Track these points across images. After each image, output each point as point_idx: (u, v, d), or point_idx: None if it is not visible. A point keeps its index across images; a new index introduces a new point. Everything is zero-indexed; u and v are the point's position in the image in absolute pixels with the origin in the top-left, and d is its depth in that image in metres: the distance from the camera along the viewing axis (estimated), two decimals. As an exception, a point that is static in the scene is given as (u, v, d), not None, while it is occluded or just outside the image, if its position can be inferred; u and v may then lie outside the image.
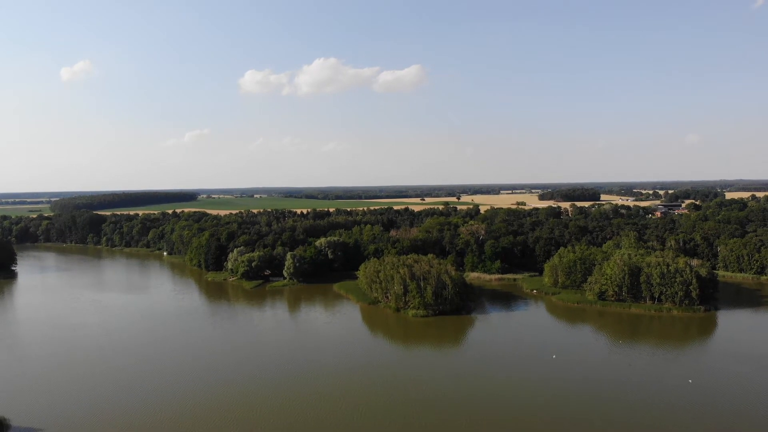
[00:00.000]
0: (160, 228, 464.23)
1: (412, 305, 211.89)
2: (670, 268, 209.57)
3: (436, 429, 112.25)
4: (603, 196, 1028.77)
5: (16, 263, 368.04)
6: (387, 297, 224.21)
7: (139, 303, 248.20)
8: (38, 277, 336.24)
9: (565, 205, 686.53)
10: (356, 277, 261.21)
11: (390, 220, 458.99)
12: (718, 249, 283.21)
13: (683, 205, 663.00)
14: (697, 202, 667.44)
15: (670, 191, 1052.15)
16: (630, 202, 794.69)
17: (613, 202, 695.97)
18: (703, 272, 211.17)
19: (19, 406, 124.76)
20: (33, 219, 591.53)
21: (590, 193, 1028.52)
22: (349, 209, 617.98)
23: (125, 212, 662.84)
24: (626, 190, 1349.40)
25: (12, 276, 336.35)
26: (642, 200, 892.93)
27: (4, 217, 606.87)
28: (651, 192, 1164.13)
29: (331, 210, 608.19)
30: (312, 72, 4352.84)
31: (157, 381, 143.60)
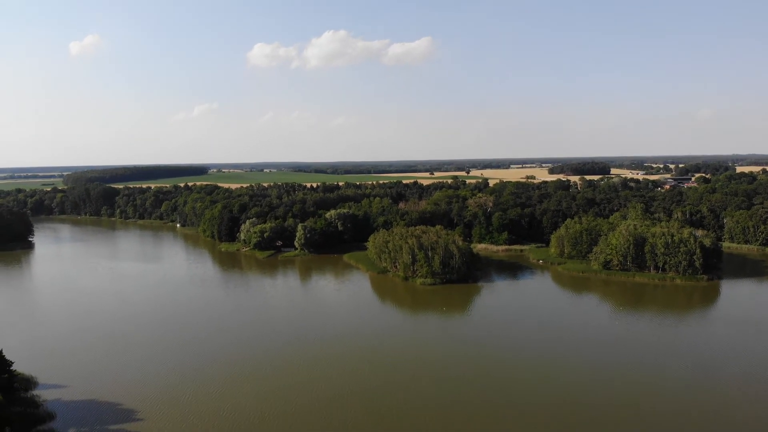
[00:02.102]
0: (173, 200, 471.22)
1: (419, 274, 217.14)
2: (674, 238, 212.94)
3: (439, 388, 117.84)
4: (613, 170, 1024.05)
5: (32, 234, 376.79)
6: (395, 266, 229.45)
7: (155, 271, 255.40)
8: (54, 248, 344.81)
9: (575, 178, 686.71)
10: (365, 248, 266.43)
11: (399, 193, 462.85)
12: (725, 221, 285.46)
13: (693, 178, 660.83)
14: (707, 176, 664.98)
15: (680, 165, 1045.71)
16: (640, 175, 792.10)
17: (622, 176, 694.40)
18: (707, 242, 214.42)
19: (43, 366, 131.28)
20: (47, 192, 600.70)
21: (600, 167, 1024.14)
22: (358, 183, 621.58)
23: (138, 185, 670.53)
24: (637, 164, 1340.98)
25: (29, 246, 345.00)
26: (652, 174, 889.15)
27: (19, 190, 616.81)
28: (661, 166, 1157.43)
29: (340, 184, 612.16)
30: (321, 45, 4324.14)
31: (172, 341, 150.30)
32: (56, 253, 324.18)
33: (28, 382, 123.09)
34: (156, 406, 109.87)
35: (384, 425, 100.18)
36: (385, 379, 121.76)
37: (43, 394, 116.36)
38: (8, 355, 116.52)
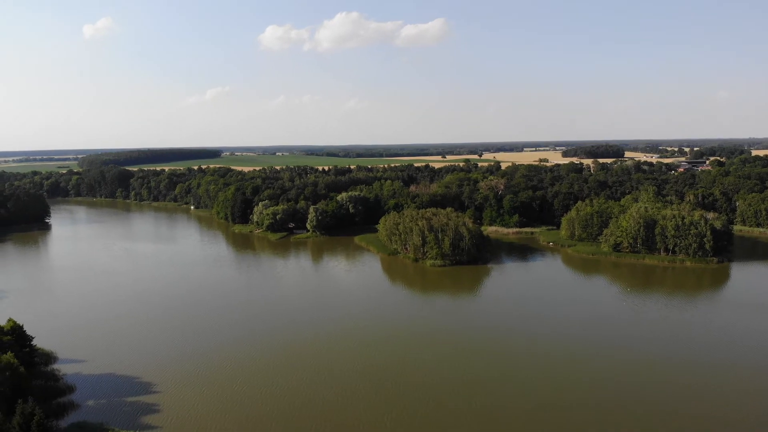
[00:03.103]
0: (187, 183, 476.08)
1: (429, 256, 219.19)
2: (685, 220, 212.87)
3: (449, 364, 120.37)
4: (627, 153, 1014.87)
5: (49, 215, 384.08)
6: (406, 248, 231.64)
7: (169, 252, 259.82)
8: (71, 228, 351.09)
9: (588, 161, 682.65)
10: (376, 231, 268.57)
11: (410, 176, 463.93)
12: (737, 204, 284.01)
13: (707, 162, 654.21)
14: (722, 159, 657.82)
15: (695, 149, 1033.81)
16: (654, 158, 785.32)
17: (636, 159, 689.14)
18: (717, 225, 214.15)
19: (62, 342, 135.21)
20: (63, 174, 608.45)
21: (614, 150, 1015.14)
22: (369, 166, 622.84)
23: (152, 168, 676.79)
24: (652, 147, 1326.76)
25: (46, 227, 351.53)
26: (667, 157, 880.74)
27: (35, 173, 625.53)
28: (676, 149, 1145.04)
29: (352, 167, 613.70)
30: (333, 27, 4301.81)
31: (186, 318, 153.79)
32: (73, 233, 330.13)
33: (48, 357, 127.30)
34: (171, 379, 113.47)
35: (393, 401, 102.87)
36: (394, 357, 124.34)
37: (62, 369, 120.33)
38: (28, 331, 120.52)
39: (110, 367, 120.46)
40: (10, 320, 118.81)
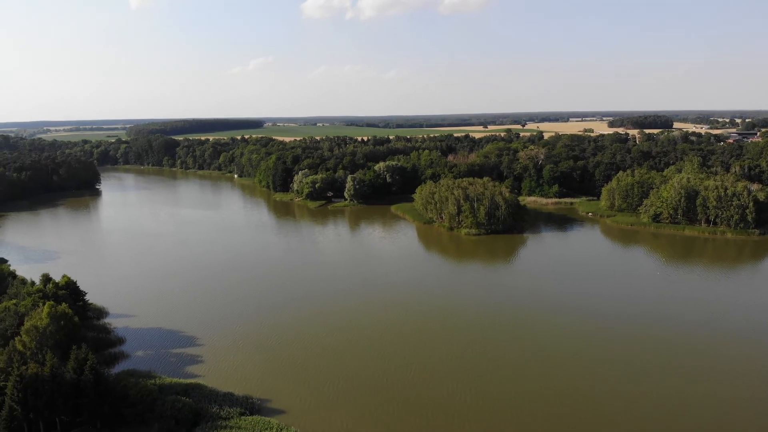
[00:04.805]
0: (230, 152, 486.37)
1: (464, 225, 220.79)
2: (727, 191, 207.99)
3: (479, 330, 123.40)
4: (676, 124, 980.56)
5: (99, 182, 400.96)
6: (441, 217, 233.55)
7: (214, 217, 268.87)
8: (120, 194, 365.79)
9: (634, 132, 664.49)
10: (413, 200, 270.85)
11: (449, 146, 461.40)
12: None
13: (758, 133, 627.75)
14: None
15: (747, 120, 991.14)
16: (703, 129, 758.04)
17: (684, 130, 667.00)
18: (761, 196, 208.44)
19: (112, 299, 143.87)
20: (112, 143, 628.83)
21: (662, 120, 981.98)
22: (408, 136, 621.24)
23: (197, 137, 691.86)
24: (703, 118, 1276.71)
25: (97, 193, 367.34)
26: (717, 128, 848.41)
27: (85, 141, 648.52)
28: (728, 120, 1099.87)
29: (390, 137, 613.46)
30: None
31: (228, 279, 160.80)
32: (121, 199, 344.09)
33: (100, 312, 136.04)
34: (212, 333, 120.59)
35: (426, 366, 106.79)
36: (427, 324, 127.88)
37: (113, 323, 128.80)
38: (81, 288, 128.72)
39: (157, 322, 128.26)
40: (64, 276, 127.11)
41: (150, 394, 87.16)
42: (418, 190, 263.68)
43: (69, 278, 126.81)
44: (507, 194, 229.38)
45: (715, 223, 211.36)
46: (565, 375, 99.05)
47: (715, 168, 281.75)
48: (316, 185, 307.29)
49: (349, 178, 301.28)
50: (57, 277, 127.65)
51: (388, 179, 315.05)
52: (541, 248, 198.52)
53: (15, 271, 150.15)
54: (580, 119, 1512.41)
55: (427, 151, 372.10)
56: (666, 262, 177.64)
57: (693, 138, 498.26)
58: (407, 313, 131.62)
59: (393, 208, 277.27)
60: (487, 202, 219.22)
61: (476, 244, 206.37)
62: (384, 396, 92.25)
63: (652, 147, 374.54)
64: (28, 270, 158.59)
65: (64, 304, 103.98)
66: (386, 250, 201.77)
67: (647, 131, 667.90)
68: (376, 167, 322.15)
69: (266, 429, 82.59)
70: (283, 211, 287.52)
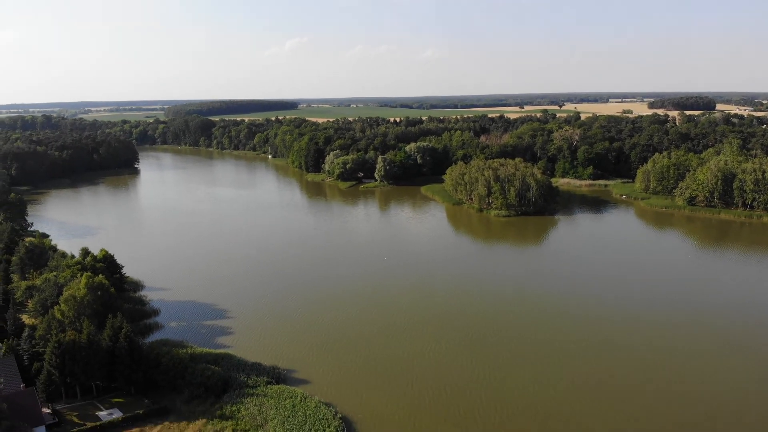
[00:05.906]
0: (265, 133, 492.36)
1: (494, 206, 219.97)
2: (765, 174, 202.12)
3: (507, 315, 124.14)
4: (719, 106, 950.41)
5: (138, 161, 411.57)
6: (471, 198, 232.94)
7: (248, 196, 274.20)
8: (158, 173, 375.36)
9: (674, 113, 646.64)
10: (443, 182, 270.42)
11: (483, 127, 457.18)
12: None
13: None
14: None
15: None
16: (746, 111, 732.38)
17: (727, 111, 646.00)
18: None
19: (148, 272, 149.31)
20: (150, 123, 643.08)
21: (705, 102, 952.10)
22: (441, 117, 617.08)
23: (232, 118, 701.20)
24: (747, 100, 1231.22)
25: (135, 172, 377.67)
26: (761, 111, 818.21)
27: (124, 121, 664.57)
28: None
29: (423, 118, 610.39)
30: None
31: (261, 257, 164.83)
32: (159, 178, 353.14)
33: (136, 285, 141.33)
34: (243, 307, 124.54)
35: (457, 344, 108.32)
36: (451, 308, 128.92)
37: (148, 295, 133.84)
38: (119, 261, 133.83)
39: (190, 295, 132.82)
40: (102, 250, 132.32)
41: (181, 363, 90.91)
42: (448, 171, 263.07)
43: (107, 252, 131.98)
44: (539, 175, 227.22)
45: (752, 207, 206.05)
46: (589, 361, 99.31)
47: (755, 151, 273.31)
48: (347, 166, 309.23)
49: (379, 158, 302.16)
50: (95, 252, 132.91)
51: (419, 160, 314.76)
52: (572, 231, 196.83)
53: (56, 245, 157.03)
54: (620, 100, 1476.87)
55: (459, 131, 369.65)
56: (699, 246, 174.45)
57: (735, 120, 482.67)
58: (433, 296, 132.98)
59: (423, 189, 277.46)
60: (517, 183, 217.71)
61: (505, 225, 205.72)
62: (404, 374, 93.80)
63: (690, 129, 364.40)
64: (68, 244, 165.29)
65: (101, 276, 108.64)
66: (414, 232, 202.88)
67: (688, 113, 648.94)
68: (407, 148, 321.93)
69: (290, 397, 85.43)
70: (314, 191, 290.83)
